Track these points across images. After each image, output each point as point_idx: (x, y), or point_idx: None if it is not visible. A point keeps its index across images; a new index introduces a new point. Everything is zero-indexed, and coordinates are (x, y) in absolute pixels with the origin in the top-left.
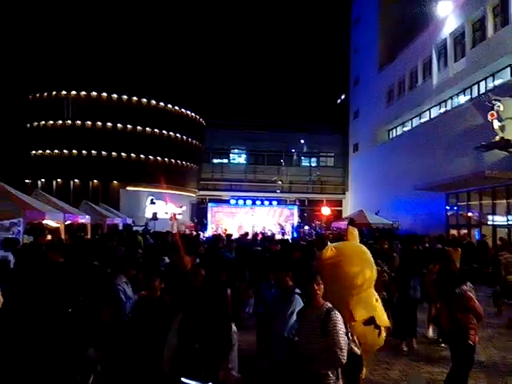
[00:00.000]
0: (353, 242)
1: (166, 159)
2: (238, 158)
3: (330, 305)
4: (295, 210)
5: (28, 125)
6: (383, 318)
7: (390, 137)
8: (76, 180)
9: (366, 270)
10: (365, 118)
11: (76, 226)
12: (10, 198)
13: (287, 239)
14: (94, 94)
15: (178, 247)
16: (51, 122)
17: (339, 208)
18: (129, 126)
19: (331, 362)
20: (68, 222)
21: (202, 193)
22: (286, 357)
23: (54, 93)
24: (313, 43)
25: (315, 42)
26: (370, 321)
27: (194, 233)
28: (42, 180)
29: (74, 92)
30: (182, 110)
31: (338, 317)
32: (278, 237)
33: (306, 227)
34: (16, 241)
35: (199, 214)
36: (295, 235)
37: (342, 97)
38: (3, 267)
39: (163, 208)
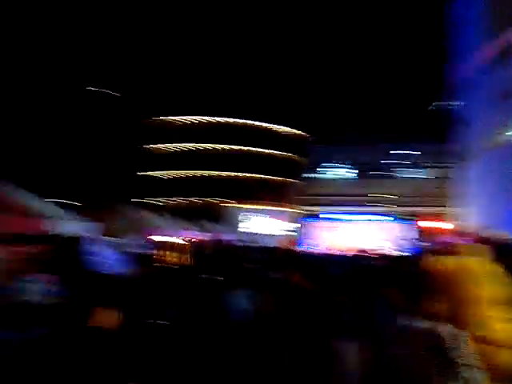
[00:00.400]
0: (472, 258)
1: (270, 176)
2: (342, 172)
3: (443, 322)
4: (402, 225)
5: (140, 147)
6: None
7: (507, 140)
8: (184, 198)
9: (485, 286)
10: (474, 122)
11: (199, 243)
12: (127, 216)
13: (397, 254)
14: (198, 118)
15: (287, 262)
16: (160, 144)
17: (449, 221)
18: (234, 147)
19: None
20: (190, 239)
21: (307, 208)
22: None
23: (164, 118)
24: (408, 46)
25: (410, 45)
26: (491, 340)
27: (298, 249)
28: (155, 199)
29: (180, 117)
30: (285, 127)
31: (456, 333)
32: (388, 253)
33: (417, 241)
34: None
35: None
36: (407, 250)
37: (445, 102)
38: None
39: (270, 224)
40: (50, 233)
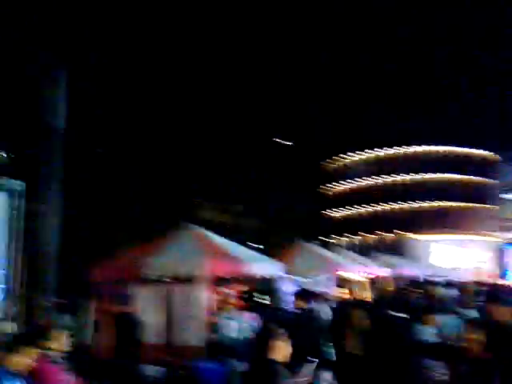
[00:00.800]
0: None
1: (458, 203)
2: None
3: None
4: None
5: (320, 188)
6: None
7: None
8: (366, 234)
9: None
10: None
11: (382, 279)
12: (312, 254)
13: None
14: (373, 152)
15: (491, 297)
16: (340, 182)
17: None
18: (414, 176)
19: None
20: (370, 275)
21: (507, 235)
22: None
23: (339, 158)
24: None
25: None
26: None
27: (503, 282)
28: (339, 237)
29: (353, 154)
30: (469, 149)
31: None
32: None
33: None
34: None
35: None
36: None
37: None
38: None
39: (460, 255)
40: (247, 274)
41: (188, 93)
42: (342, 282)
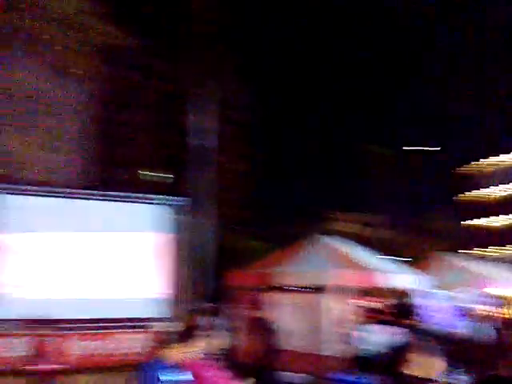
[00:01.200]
0: None
1: None
2: None
3: None
4: None
5: (460, 197)
6: None
7: None
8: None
9: None
10: None
11: None
12: (457, 267)
13: None
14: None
15: None
16: (484, 190)
17: None
18: None
19: None
20: None
21: None
22: None
23: (480, 163)
24: None
25: None
26: None
27: None
28: (484, 249)
29: (497, 158)
30: None
31: None
32: None
33: None
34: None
35: None
36: None
37: None
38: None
39: None
40: (385, 286)
41: (316, 106)
42: (498, 300)
